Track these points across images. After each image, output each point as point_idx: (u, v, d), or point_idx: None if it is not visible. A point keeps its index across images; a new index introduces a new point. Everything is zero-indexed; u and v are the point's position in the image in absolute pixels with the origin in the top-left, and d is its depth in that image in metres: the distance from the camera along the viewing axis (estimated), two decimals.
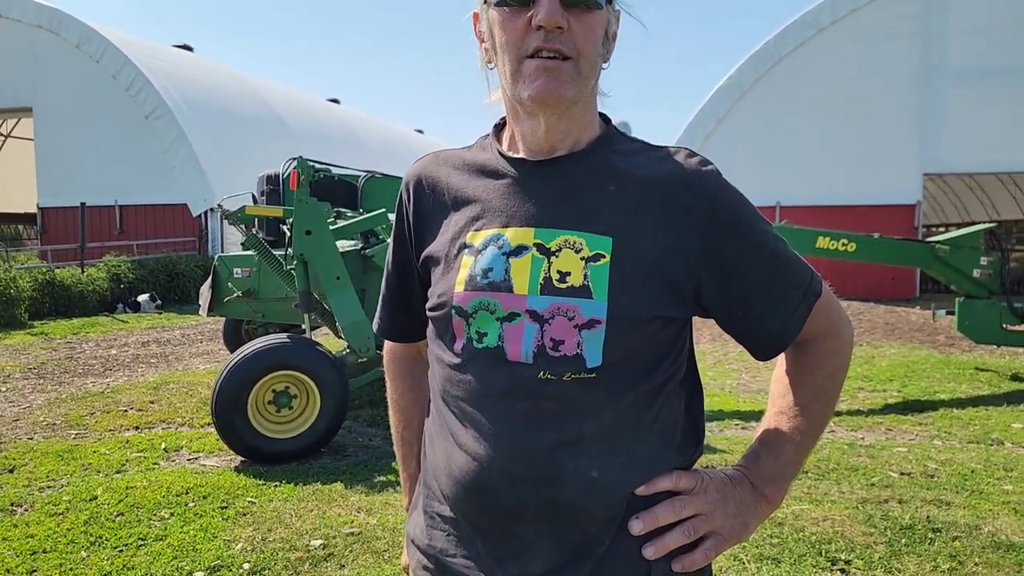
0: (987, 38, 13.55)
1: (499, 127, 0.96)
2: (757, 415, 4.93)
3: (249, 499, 3.39)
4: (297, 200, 4.26)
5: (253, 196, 6.09)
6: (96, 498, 3.36)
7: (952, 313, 6.49)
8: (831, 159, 14.29)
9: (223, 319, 6.80)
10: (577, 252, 0.83)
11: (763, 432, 0.93)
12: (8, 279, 10.03)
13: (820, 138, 14.37)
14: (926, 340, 8.85)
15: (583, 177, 0.87)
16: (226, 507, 3.28)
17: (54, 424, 4.91)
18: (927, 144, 14.07)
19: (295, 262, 4.35)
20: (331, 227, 4.49)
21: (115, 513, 3.19)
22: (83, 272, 12.07)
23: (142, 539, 2.93)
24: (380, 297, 1.08)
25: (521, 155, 0.90)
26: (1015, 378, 6.41)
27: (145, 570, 2.66)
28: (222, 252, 10.63)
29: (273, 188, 5.91)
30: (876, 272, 13.11)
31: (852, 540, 2.82)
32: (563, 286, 0.82)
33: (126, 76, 15.88)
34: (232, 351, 5.92)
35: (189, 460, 4.13)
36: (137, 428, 4.83)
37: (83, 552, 2.81)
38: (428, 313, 0.93)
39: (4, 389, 6.06)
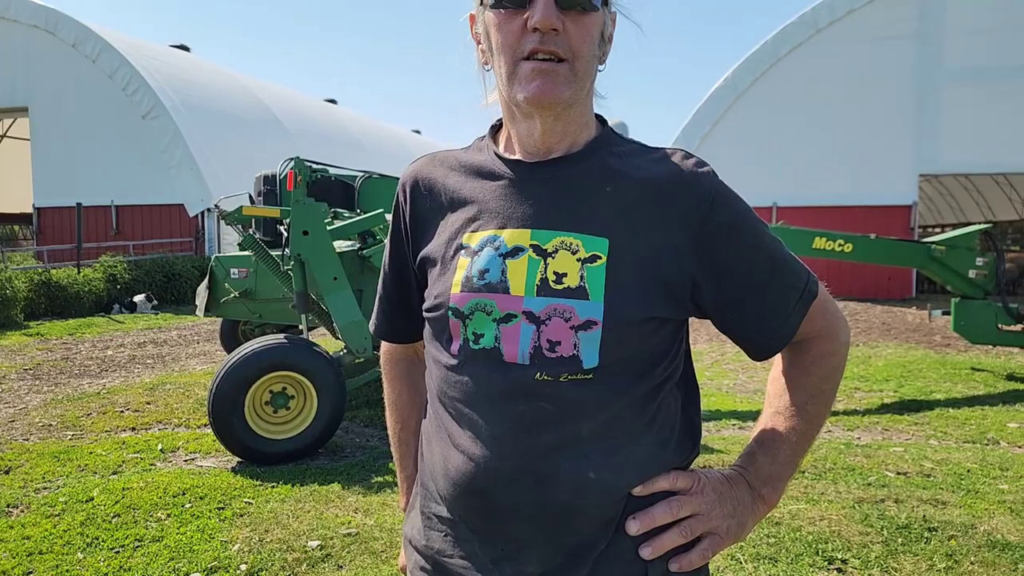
0: (983, 39, 13.60)
1: (496, 128, 0.97)
2: (754, 415, 4.94)
3: (246, 500, 3.38)
4: (294, 200, 4.25)
5: (250, 196, 6.08)
6: (92, 499, 3.35)
7: (948, 313, 6.51)
8: (828, 160, 14.33)
9: (220, 320, 6.79)
10: (573, 253, 0.83)
11: (759, 432, 0.93)
12: (4, 280, 10.00)
13: (817, 139, 14.41)
14: (922, 340, 8.88)
15: (579, 178, 0.87)
16: (223, 508, 3.28)
17: (50, 425, 4.89)
18: (923, 145, 14.13)
19: (292, 262, 4.34)
20: (328, 227, 4.49)
21: (111, 514, 3.18)
22: (79, 272, 12.04)
23: (139, 540, 2.93)
24: (376, 298, 1.08)
25: (517, 156, 0.90)
26: (1011, 378, 6.43)
27: (142, 571, 2.65)
28: (219, 252, 10.61)
29: (270, 188, 5.89)
30: (872, 272, 13.16)
31: (849, 539, 2.83)
32: (560, 287, 0.82)
33: (122, 76, 15.84)
34: (229, 352, 5.91)
35: (186, 461, 4.12)
36: (133, 429, 4.82)
37: (79, 553, 2.81)
38: (425, 314, 0.93)
39: (0, 390, 6.04)
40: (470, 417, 0.85)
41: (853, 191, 14.21)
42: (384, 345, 1.13)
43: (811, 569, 2.62)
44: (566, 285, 0.82)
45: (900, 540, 2.83)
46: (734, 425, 4.93)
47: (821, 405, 0.93)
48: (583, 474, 0.81)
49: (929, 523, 2.97)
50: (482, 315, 0.85)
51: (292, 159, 4.67)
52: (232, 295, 5.36)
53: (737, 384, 6.42)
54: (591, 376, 0.82)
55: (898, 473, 3.72)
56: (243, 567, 2.68)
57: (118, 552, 2.82)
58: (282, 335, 4.24)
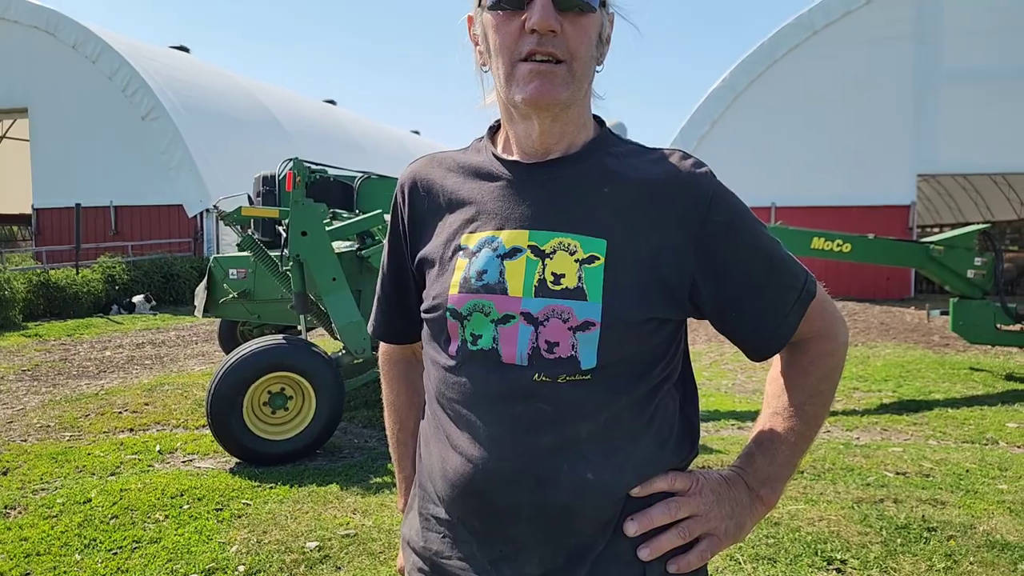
0: (980, 40, 13.63)
1: (494, 129, 0.97)
2: (753, 415, 4.94)
3: (244, 501, 3.38)
4: (293, 201, 4.25)
5: (249, 197, 6.07)
6: (90, 500, 3.35)
7: (946, 313, 6.52)
8: (826, 160, 14.35)
9: (218, 320, 6.78)
10: (571, 254, 0.83)
11: (758, 433, 0.93)
12: (2, 280, 9.98)
13: (815, 139, 14.43)
14: (921, 340, 8.89)
15: (577, 179, 0.87)
16: (221, 509, 3.27)
17: (48, 426, 4.89)
18: (921, 145, 14.15)
19: (291, 263, 4.34)
20: (327, 228, 4.49)
21: (109, 516, 3.17)
22: (78, 273, 12.02)
23: (136, 542, 2.92)
24: (375, 299, 1.08)
25: (515, 157, 0.90)
26: (1009, 378, 6.44)
27: (139, 573, 2.65)
28: (217, 253, 10.59)
29: (269, 189, 5.89)
30: (871, 273, 13.17)
31: (848, 540, 2.83)
32: (557, 288, 0.82)
33: (122, 77, 15.84)
34: (227, 352, 5.91)
35: (184, 462, 4.11)
36: (131, 430, 4.81)
37: (77, 555, 2.80)
38: (423, 315, 0.93)
39: None
40: (468, 418, 0.85)
41: (851, 191, 14.23)
42: (383, 346, 1.13)
43: (810, 569, 2.62)
44: (564, 286, 0.82)
45: (899, 540, 2.83)
46: (733, 425, 4.93)
47: (819, 405, 0.92)
48: (582, 475, 0.81)
49: (928, 523, 2.97)
50: (480, 316, 0.84)
51: (291, 160, 4.67)
52: (231, 296, 5.36)
53: (736, 384, 6.42)
54: (589, 377, 0.81)
55: (897, 473, 3.72)
56: (241, 568, 2.67)
57: (116, 553, 2.82)
58: (280, 336, 4.24)
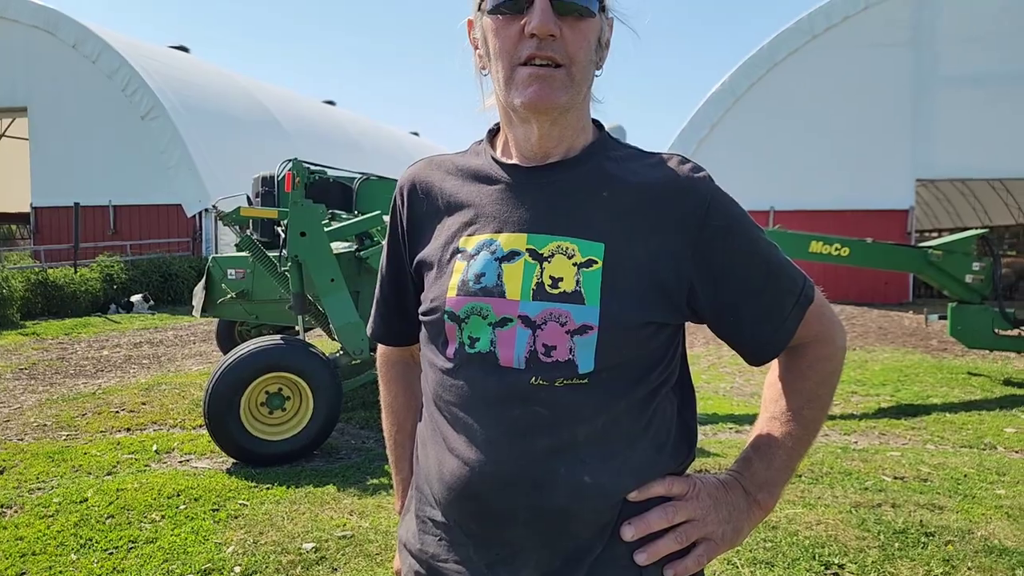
0: (978, 45, 13.67)
1: (493, 133, 0.97)
2: (751, 418, 4.93)
3: (241, 502, 3.37)
4: (292, 202, 4.25)
5: (248, 197, 6.07)
6: (86, 500, 3.34)
7: (945, 318, 6.52)
8: (825, 164, 14.38)
9: (216, 320, 6.77)
10: (570, 258, 0.83)
11: (756, 437, 0.93)
12: (0, 279, 9.97)
13: (814, 143, 14.46)
14: (919, 345, 8.90)
15: (576, 183, 0.87)
16: (217, 510, 3.26)
17: (45, 425, 4.87)
18: (920, 150, 14.18)
19: (289, 264, 4.33)
20: (326, 229, 4.48)
21: (105, 515, 3.16)
22: (76, 272, 12.00)
23: (132, 542, 2.91)
24: (374, 301, 1.08)
25: (515, 161, 0.91)
26: (1007, 383, 6.44)
27: (135, 573, 2.64)
28: (216, 253, 10.58)
29: (268, 190, 5.89)
30: (869, 277, 13.19)
31: (845, 544, 2.83)
32: (555, 292, 0.82)
33: (122, 77, 15.83)
34: (225, 352, 5.90)
35: (181, 462, 4.10)
36: (128, 430, 4.80)
37: (73, 555, 2.79)
38: (421, 317, 0.93)
39: None
40: (465, 421, 0.85)
41: (850, 195, 14.26)
42: (380, 348, 1.13)
43: (808, 574, 2.61)
44: (562, 289, 0.82)
45: (897, 545, 2.83)
46: (731, 428, 4.93)
47: (817, 410, 0.92)
48: (579, 478, 0.81)
49: (926, 528, 2.97)
50: (478, 319, 0.84)
51: (290, 160, 4.67)
52: (229, 296, 5.35)
53: (734, 387, 6.42)
54: (586, 381, 0.81)
55: (895, 478, 3.72)
56: (237, 569, 2.67)
57: (112, 553, 2.81)
58: (278, 336, 4.23)
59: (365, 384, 5.05)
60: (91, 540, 2.92)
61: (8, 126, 21.64)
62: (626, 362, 0.83)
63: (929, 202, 23.02)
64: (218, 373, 3.87)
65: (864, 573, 2.62)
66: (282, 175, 5.26)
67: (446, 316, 0.86)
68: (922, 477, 3.72)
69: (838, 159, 14.34)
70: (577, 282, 0.82)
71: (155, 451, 4.26)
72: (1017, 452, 4.35)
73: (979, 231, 6.62)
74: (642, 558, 0.83)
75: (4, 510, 3.28)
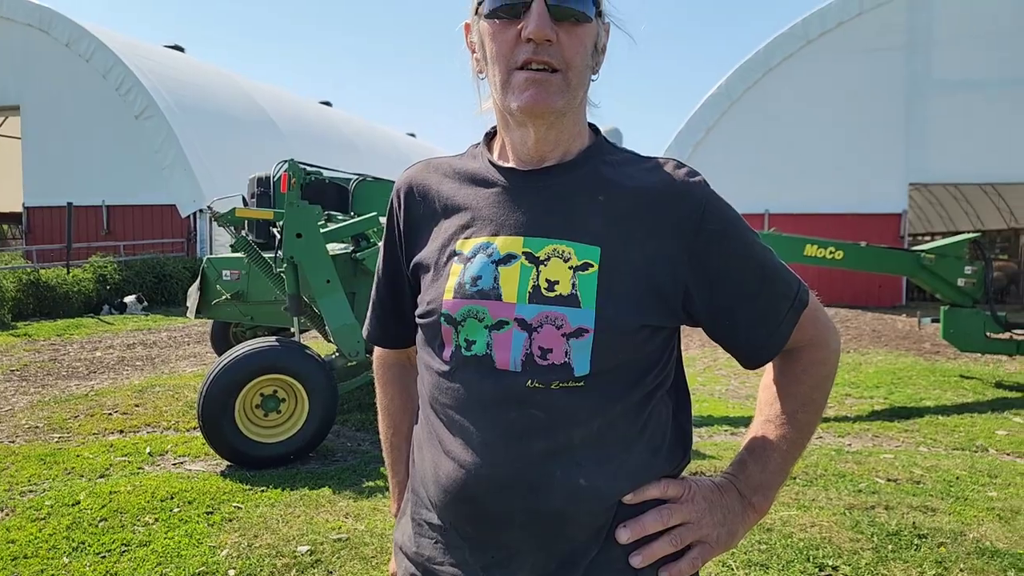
0: (971, 51, 13.79)
1: (490, 136, 0.97)
2: (746, 421, 4.96)
3: (235, 504, 3.36)
4: (288, 203, 4.24)
5: (243, 198, 6.05)
6: (79, 503, 3.32)
7: (937, 321, 6.56)
8: (819, 168, 14.46)
9: (211, 322, 6.75)
10: (566, 261, 0.84)
11: (750, 440, 0.94)
12: None
13: (808, 147, 14.54)
14: (912, 348, 8.95)
15: (572, 187, 0.88)
16: (212, 513, 3.25)
17: (36, 427, 4.84)
18: (913, 154, 14.28)
19: (285, 265, 4.32)
20: (322, 230, 4.48)
21: (98, 518, 3.14)
22: (68, 273, 11.94)
23: (125, 545, 2.90)
24: (370, 303, 1.09)
25: (511, 164, 0.91)
26: (999, 385, 6.49)
27: None
28: (211, 254, 10.55)
29: (263, 190, 5.87)
30: (863, 280, 13.26)
31: (839, 546, 2.84)
32: (551, 295, 0.83)
33: (116, 76, 15.76)
34: (220, 354, 5.88)
35: (174, 464, 4.08)
36: (121, 432, 4.77)
37: (65, 558, 2.77)
38: (417, 320, 0.93)
39: None
40: (461, 424, 0.85)
41: (844, 199, 14.34)
42: (377, 350, 1.13)
43: None
44: (558, 293, 0.82)
45: (890, 547, 2.84)
46: (726, 431, 4.94)
47: (812, 413, 0.93)
48: (575, 481, 0.81)
49: (919, 530, 2.99)
50: (474, 322, 0.85)
51: (286, 161, 4.66)
52: (224, 297, 5.33)
53: (729, 390, 6.44)
54: (582, 384, 0.82)
55: (888, 480, 3.74)
56: (231, 572, 2.65)
57: (104, 557, 2.79)
58: (274, 338, 4.22)
59: (361, 386, 5.04)
60: (83, 543, 2.90)
61: (0, 125, 21.51)
62: (622, 365, 0.83)
63: (922, 206, 23.17)
64: (213, 375, 3.86)
65: (858, 575, 2.63)
66: (278, 176, 5.24)
67: (442, 319, 0.87)
68: (915, 479, 3.74)
69: (832, 163, 14.42)
70: (573, 285, 0.82)
71: (148, 453, 4.24)
72: (1009, 454, 4.38)
73: (971, 235, 6.67)
74: (637, 560, 0.83)
75: None
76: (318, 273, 4.27)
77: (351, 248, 4.99)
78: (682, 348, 0.95)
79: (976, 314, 6.28)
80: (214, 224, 10.95)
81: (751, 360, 0.92)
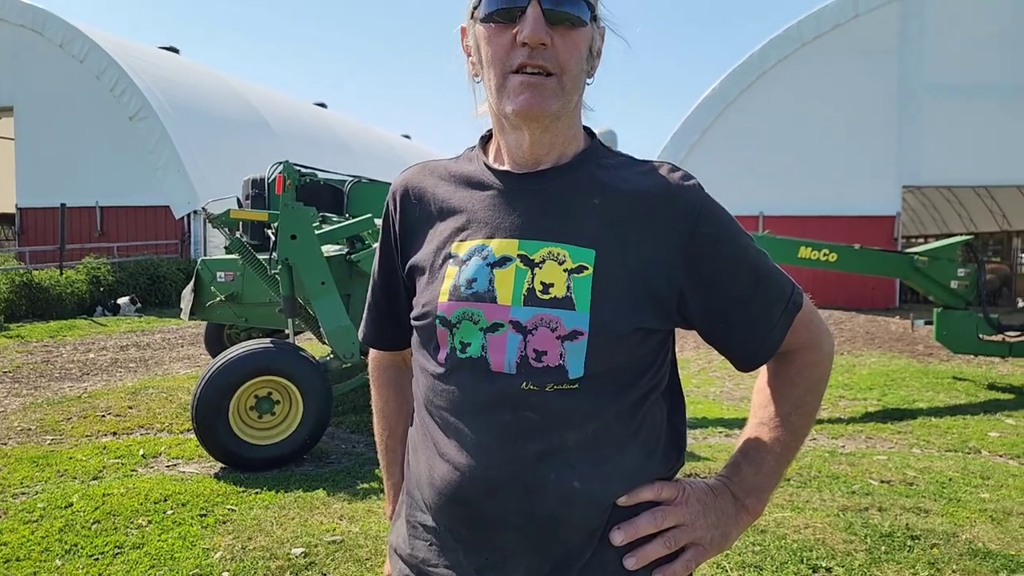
0: (964, 55, 13.90)
1: (486, 139, 0.98)
2: (740, 423, 4.97)
3: (229, 507, 3.34)
4: (283, 204, 4.23)
5: (238, 200, 6.03)
6: (72, 505, 3.30)
7: (930, 323, 6.60)
8: (813, 170, 14.53)
9: (205, 323, 6.72)
10: (560, 264, 0.84)
11: (744, 443, 0.94)
12: None
13: (803, 149, 14.61)
14: (905, 350, 8.99)
15: (567, 190, 0.88)
16: (205, 515, 3.23)
17: (29, 429, 4.81)
18: (906, 157, 14.37)
19: (279, 267, 4.31)
20: (316, 232, 4.47)
21: (91, 521, 3.13)
22: (62, 274, 11.87)
23: (119, 547, 2.88)
24: (366, 305, 1.09)
25: (507, 167, 0.91)
26: (992, 387, 6.53)
27: None
28: (205, 255, 10.51)
29: (258, 192, 5.86)
30: (857, 282, 13.32)
31: (833, 547, 2.85)
32: (546, 297, 0.83)
33: (110, 77, 15.70)
34: (214, 356, 5.85)
35: (168, 467, 4.06)
36: (115, 434, 4.75)
37: (58, 560, 2.76)
38: (412, 322, 0.93)
39: None
40: (456, 426, 0.85)
41: (838, 201, 14.41)
42: (373, 352, 1.13)
43: None
44: (553, 295, 0.83)
45: (883, 548, 2.85)
46: (720, 433, 4.95)
47: (805, 416, 0.94)
48: (569, 484, 0.82)
49: (912, 531, 3.00)
50: (469, 324, 0.85)
51: (281, 162, 4.65)
52: (218, 299, 5.31)
53: (724, 392, 6.46)
54: (577, 386, 0.82)
55: (881, 481, 3.75)
56: (225, 575, 2.64)
57: (97, 559, 2.78)
58: (268, 339, 4.21)
59: (356, 388, 5.03)
60: (76, 546, 2.89)
61: None
62: (616, 368, 0.84)
63: (915, 208, 23.31)
64: (207, 377, 3.84)
65: None
66: (272, 177, 5.22)
67: (438, 321, 0.87)
68: (908, 481, 3.76)
69: (826, 165, 14.49)
70: (568, 288, 0.83)
71: (142, 456, 4.22)
72: (1001, 456, 4.41)
73: (964, 238, 6.71)
74: (631, 562, 0.83)
75: None
76: (313, 275, 4.26)
77: (346, 250, 4.98)
78: (676, 350, 0.96)
79: (969, 316, 6.32)
80: (208, 225, 10.91)
81: (745, 363, 0.92)
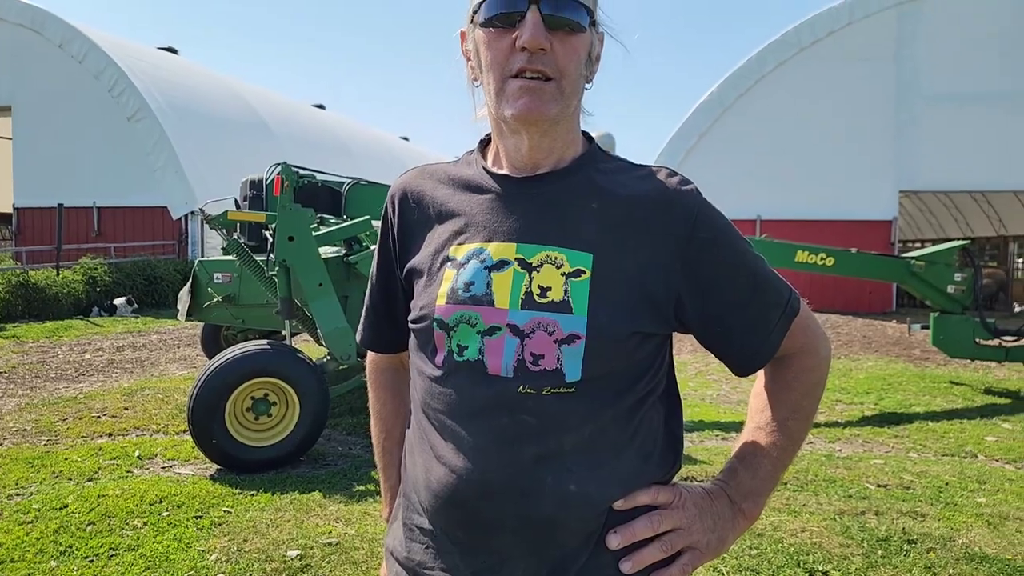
0: (960, 61, 13.97)
1: (484, 143, 0.98)
2: (737, 426, 4.97)
3: (225, 508, 3.33)
4: (280, 206, 4.23)
5: (236, 201, 6.02)
6: (67, 506, 3.28)
7: (927, 328, 6.62)
8: (810, 175, 14.57)
9: (201, 324, 6.70)
10: (558, 268, 0.84)
11: (741, 447, 0.94)
12: None
13: (800, 154, 14.66)
14: (902, 354, 9.01)
15: (566, 194, 0.89)
16: (201, 517, 3.22)
17: (24, 430, 4.79)
18: (903, 162, 14.43)
19: (277, 268, 4.31)
20: (314, 233, 4.47)
21: (86, 522, 3.11)
22: (58, 274, 11.84)
23: (113, 549, 2.87)
24: (364, 308, 1.09)
25: (505, 171, 0.92)
26: (988, 392, 6.54)
27: None
28: (202, 256, 10.48)
29: (256, 193, 5.85)
30: (854, 286, 13.36)
31: (830, 551, 2.85)
32: (544, 301, 0.83)
33: (109, 77, 15.69)
34: (210, 357, 5.84)
35: (163, 468, 4.05)
36: (110, 435, 4.73)
37: (52, 562, 2.74)
38: (410, 325, 0.93)
39: None
40: (453, 429, 0.85)
41: (835, 206, 14.46)
42: (370, 355, 1.13)
43: None
44: (550, 299, 0.83)
45: (880, 552, 2.86)
46: (717, 436, 4.96)
47: (802, 420, 0.94)
48: (566, 487, 0.82)
49: (908, 535, 3.01)
50: (467, 327, 0.85)
51: (279, 164, 4.65)
52: (215, 300, 5.30)
53: (721, 395, 6.46)
54: (574, 390, 0.82)
55: (878, 485, 3.76)
56: None
57: (92, 561, 2.76)
58: (265, 341, 4.20)
59: (352, 390, 5.02)
60: (71, 547, 2.87)
61: None
62: (613, 372, 0.84)
63: (912, 213, 23.39)
64: (203, 378, 3.83)
65: None
66: (271, 179, 5.22)
67: (435, 324, 0.87)
68: (905, 485, 3.77)
69: (823, 170, 14.54)
70: (565, 292, 0.83)
71: (137, 457, 4.21)
72: (997, 460, 4.42)
73: (961, 242, 6.73)
74: (627, 566, 0.83)
75: None
76: (310, 276, 4.26)
77: (343, 252, 4.98)
78: (674, 353, 0.96)
79: (965, 321, 6.34)
80: (206, 226, 10.89)
81: (742, 367, 0.93)
